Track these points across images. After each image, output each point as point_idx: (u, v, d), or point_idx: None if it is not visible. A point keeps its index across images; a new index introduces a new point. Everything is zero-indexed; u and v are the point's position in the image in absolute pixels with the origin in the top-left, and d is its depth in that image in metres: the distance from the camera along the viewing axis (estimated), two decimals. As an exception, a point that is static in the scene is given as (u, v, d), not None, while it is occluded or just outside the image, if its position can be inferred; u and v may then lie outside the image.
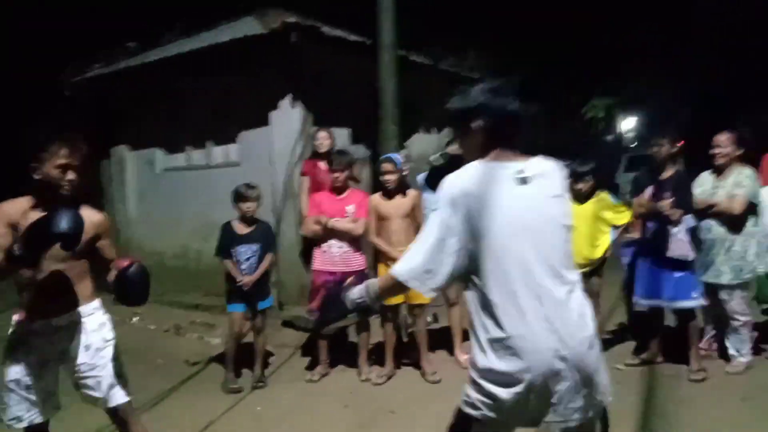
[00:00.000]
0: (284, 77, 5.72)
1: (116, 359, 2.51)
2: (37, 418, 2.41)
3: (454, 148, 4.04)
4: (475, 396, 1.71)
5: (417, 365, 4.32)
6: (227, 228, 4.38)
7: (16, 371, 2.37)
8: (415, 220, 4.08)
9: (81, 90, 7.40)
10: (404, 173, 4.15)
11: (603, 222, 4.07)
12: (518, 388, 1.63)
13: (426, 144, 8.09)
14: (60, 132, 2.41)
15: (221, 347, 5.18)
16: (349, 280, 2.02)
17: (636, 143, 26.20)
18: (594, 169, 3.90)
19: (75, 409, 2.77)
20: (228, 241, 4.35)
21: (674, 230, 3.88)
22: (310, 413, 3.74)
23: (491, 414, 1.68)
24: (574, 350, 1.64)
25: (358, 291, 1.88)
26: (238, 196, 4.28)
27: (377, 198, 4.14)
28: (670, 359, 4.12)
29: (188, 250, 6.68)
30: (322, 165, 5.20)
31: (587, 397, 1.69)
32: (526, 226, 1.69)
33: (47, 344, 2.39)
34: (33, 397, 2.38)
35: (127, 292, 2.38)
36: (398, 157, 4.13)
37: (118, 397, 2.49)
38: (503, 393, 1.65)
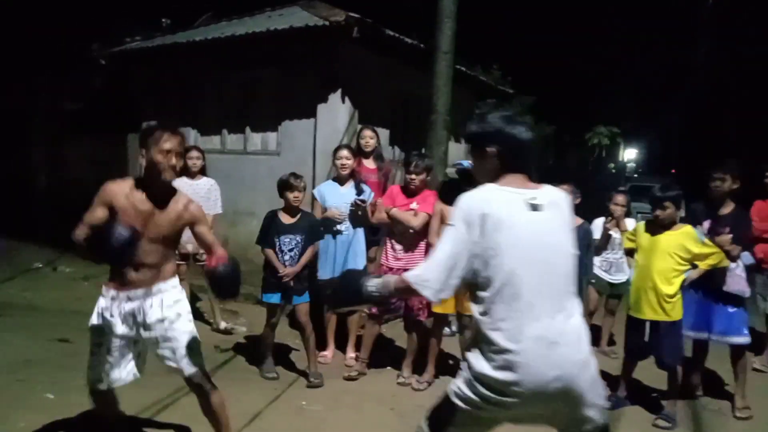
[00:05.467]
0: (336, 71, 5.68)
1: (189, 332, 2.61)
2: (117, 382, 2.59)
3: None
4: (467, 392, 1.84)
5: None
6: (272, 216, 4.27)
7: (99, 335, 2.56)
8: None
9: (117, 61, 7.28)
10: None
11: (681, 256, 3.62)
12: (508, 398, 1.76)
13: (454, 151, 8.07)
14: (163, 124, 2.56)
15: (248, 335, 5.14)
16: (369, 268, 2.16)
17: (637, 174, 26.64)
18: (677, 196, 3.61)
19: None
20: (271, 230, 4.22)
21: (732, 265, 3.89)
22: (356, 414, 3.67)
23: (477, 411, 1.83)
24: (567, 371, 1.75)
25: (375, 283, 1.99)
26: (285, 185, 4.18)
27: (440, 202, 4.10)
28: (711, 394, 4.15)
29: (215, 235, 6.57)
30: (368, 164, 5.16)
31: (578, 414, 1.81)
32: (535, 253, 1.79)
33: (128, 313, 2.55)
34: (113, 360, 2.56)
35: (218, 287, 2.62)
36: (468, 164, 4.08)
37: (191, 368, 2.58)
38: (493, 398, 1.77)
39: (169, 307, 2.57)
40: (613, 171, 25.70)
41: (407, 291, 1.92)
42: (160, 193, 2.52)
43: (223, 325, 5.19)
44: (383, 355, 4.61)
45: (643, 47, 19.30)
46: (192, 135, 6.89)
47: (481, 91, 10.11)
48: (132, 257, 2.39)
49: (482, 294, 1.83)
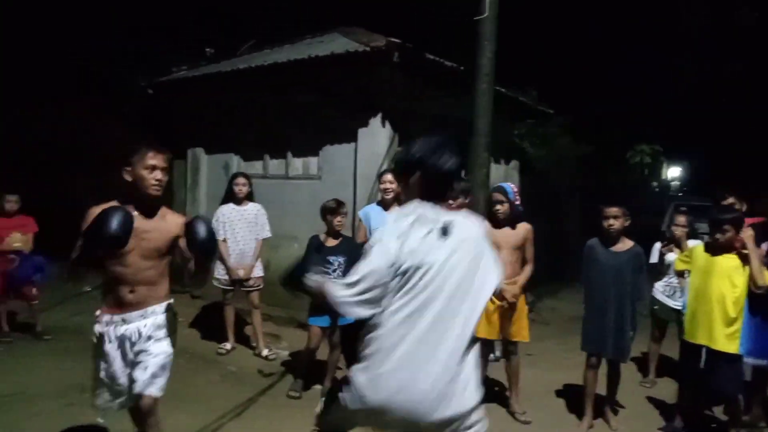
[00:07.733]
0: (376, 96, 5.72)
1: (165, 353, 2.57)
2: (127, 404, 2.59)
3: None
4: (347, 395, 1.94)
5: (501, 403, 4.18)
6: (315, 240, 4.43)
7: (101, 362, 2.57)
8: (523, 253, 3.95)
9: (163, 90, 7.53)
10: (516, 204, 3.99)
11: (736, 280, 3.46)
12: (373, 410, 1.86)
13: (495, 173, 7.98)
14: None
15: (289, 359, 5.13)
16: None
17: (681, 193, 25.79)
18: (737, 218, 3.46)
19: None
20: (314, 253, 4.33)
21: (793, 289, 3.69)
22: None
23: (350, 411, 1.95)
24: (432, 400, 1.81)
25: (314, 281, 2.02)
26: (329, 210, 4.34)
27: (486, 225, 4.02)
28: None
29: (256, 258, 6.64)
30: None
31: None
32: (436, 280, 1.83)
33: (124, 337, 2.54)
34: (118, 387, 2.57)
35: (196, 238, 2.44)
36: (511, 186, 4.00)
37: (154, 388, 2.50)
38: (361, 406, 1.88)
39: (156, 326, 2.58)
40: (657, 190, 24.95)
41: (324, 300, 1.95)
42: (147, 208, 2.55)
43: (265, 352, 5.20)
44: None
45: (687, 64, 18.80)
46: (235, 161, 7.04)
47: (520, 112, 10.02)
48: (126, 239, 2.31)
49: (377, 310, 1.87)
